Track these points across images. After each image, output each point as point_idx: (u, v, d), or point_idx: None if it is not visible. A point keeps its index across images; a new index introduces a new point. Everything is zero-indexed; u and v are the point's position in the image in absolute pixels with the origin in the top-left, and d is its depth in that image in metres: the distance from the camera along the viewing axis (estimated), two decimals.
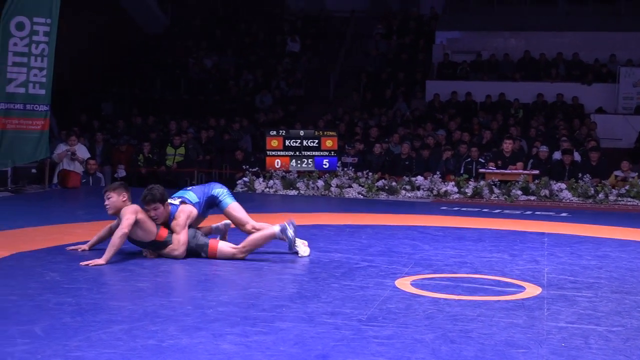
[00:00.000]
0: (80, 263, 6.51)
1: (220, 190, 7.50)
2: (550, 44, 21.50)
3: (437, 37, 22.81)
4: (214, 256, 6.92)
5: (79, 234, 8.17)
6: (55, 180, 13.90)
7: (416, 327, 4.78)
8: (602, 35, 21.17)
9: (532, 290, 5.93)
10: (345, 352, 4.26)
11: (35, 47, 12.85)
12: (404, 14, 24.68)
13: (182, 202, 7.12)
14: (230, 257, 6.89)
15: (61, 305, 5.09)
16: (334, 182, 13.54)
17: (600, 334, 4.70)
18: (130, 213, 6.70)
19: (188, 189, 7.55)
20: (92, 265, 6.43)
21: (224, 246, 6.99)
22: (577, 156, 14.98)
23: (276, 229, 6.99)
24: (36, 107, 12.97)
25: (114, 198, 6.89)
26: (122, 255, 6.95)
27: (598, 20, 21.51)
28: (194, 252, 6.95)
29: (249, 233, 7.27)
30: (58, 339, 4.33)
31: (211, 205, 7.45)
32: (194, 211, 7.15)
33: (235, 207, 7.49)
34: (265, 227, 7.31)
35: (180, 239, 6.88)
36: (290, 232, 7.03)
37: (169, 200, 7.10)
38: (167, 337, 4.45)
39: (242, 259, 6.88)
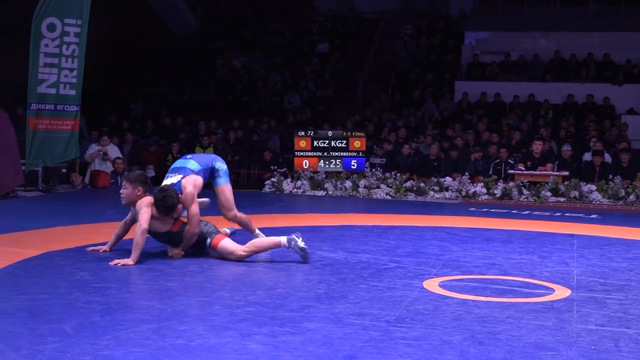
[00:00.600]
0: (110, 263, 6.55)
1: (221, 166, 7.52)
2: (581, 45, 21.31)
3: (466, 38, 22.71)
4: (215, 248, 6.93)
5: (109, 233, 8.19)
6: (86, 180, 14.00)
7: (444, 328, 4.76)
8: (634, 36, 20.94)
9: (561, 292, 5.89)
10: (373, 353, 4.25)
11: (66, 48, 12.96)
12: (433, 14, 24.60)
13: (183, 178, 7.09)
14: (228, 254, 6.86)
15: (90, 304, 5.13)
16: (362, 182, 13.52)
17: (631, 337, 4.66)
18: (146, 206, 6.74)
19: (188, 157, 7.53)
20: (121, 265, 6.46)
21: (228, 242, 6.97)
22: (607, 157, 14.85)
23: (283, 239, 6.91)
24: (67, 108, 13.09)
25: (129, 190, 6.96)
26: (150, 255, 6.99)
27: (629, 20, 21.29)
28: (201, 237, 6.94)
29: (230, 220, 7.48)
30: (87, 338, 4.37)
31: (209, 177, 7.43)
32: (199, 179, 7.19)
33: (228, 189, 7.55)
34: (245, 219, 7.58)
35: (191, 212, 6.89)
36: (301, 243, 6.88)
37: (169, 178, 7.14)
38: (196, 336, 4.47)
39: (239, 260, 6.83)
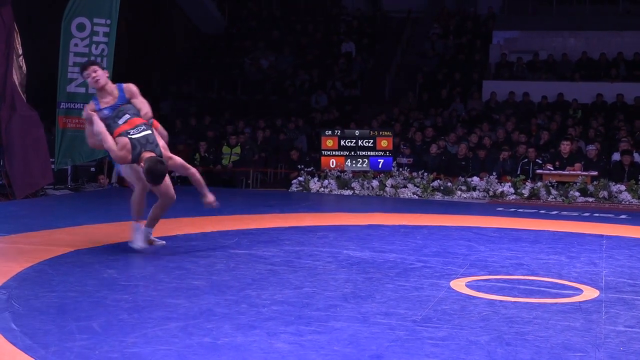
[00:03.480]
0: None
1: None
2: (610, 44, 21.12)
3: (495, 37, 22.58)
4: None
5: None
6: (114, 179, 14.08)
7: (471, 328, 4.74)
8: None
9: (589, 293, 5.84)
10: (400, 353, 4.24)
11: (95, 48, 13.06)
12: (461, 14, 24.50)
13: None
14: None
15: (118, 302, 5.16)
16: (389, 182, 13.50)
17: None
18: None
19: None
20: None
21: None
22: (637, 157, 14.70)
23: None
24: None
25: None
26: (177, 254, 7.03)
27: None
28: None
29: None
30: (115, 335, 4.40)
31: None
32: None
33: None
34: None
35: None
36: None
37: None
38: (222, 335, 4.48)
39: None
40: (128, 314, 4.88)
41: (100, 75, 7.10)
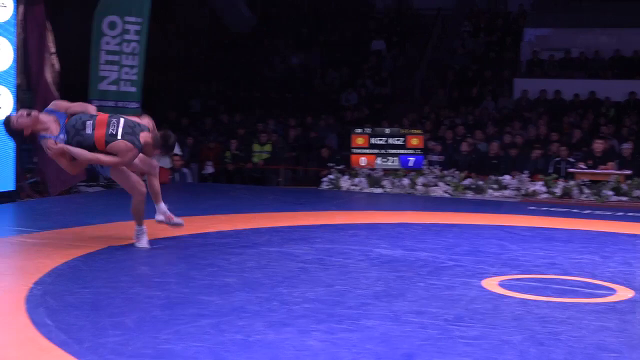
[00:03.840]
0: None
1: None
2: None
3: (526, 35, 22.40)
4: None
5: (168, 228, 8.31)
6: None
7: (504, 328, 4.72)
8: None
9: (623, 293, 5.79)
10: (432, 352, 4.23)
11: (127, 46, 13.14)
12: (491, 11, 24.36)
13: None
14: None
15: (151, 299, 5.20)
16: (420, 180, 13.45)
17: None
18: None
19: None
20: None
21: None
22: None
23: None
24: (127, 105, 13.28)
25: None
26: (209, 252, 7.06)
27: None
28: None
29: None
30: (148, 332, 4.43)
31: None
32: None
33: None
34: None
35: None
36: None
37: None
38: (254, 332, 4.50)
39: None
40: (161, 310, 4.92)
41: (24, 121, 6.82)
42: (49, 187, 11.44)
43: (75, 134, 6.77)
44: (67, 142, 6.75)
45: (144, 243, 7.17)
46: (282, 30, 24.19)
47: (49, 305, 4.97)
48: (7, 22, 10.47)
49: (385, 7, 25.17)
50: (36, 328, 4.47)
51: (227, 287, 5.63)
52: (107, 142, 6.70)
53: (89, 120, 6.84)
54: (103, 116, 6.94)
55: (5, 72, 10.50)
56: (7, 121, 6.89)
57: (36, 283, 5.57)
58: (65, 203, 10.91)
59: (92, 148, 6.72)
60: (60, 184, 11.66)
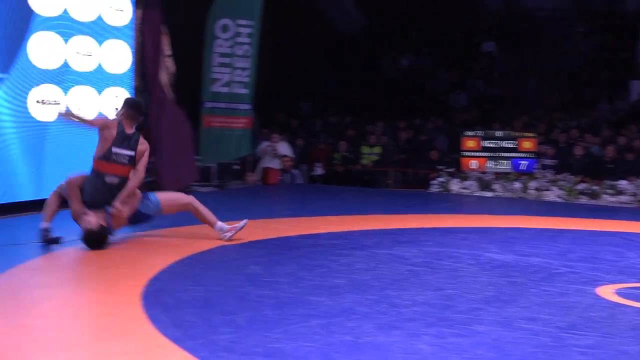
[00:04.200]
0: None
1: None
2: None
3: None
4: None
5: (280, 229, 8.42)
6: (257, 176, 14.37)
7: (620, 337, 4.58)
8: None
9: None
10: None
11: (239, 48, 13.36)
12: (607, 11, 23.67)
13: None
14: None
15: (262, 298, 5.26)
16: (532, 184, 13.19)
17: None
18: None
19: None
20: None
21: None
22: None
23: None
24: (239, 106, 13.51)
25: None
26: (319, 253, 7.10)
27: None
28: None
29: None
30: (259, 330, 4.48)
31: None
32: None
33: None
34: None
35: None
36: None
37: None
38: (364, 334, 4.49)
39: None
40: (271, 309, 4.97)
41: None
42: (164, 187, 11.71)
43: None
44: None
45: (228, 233, 7.56)
46: (392, 31, 24.14)
47: (164, 301, 5.09)
48: (125, 26, 10.81)
49: (496, 8, 24.79)
50: (152, 323, 4.58)
51: (337, 289, 5.65)
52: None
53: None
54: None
55: (124, 74, 10.84)
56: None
57: (151, 280, 5.72)
58: None
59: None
60: (174, 183, 11.92)
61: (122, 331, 4.60)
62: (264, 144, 14.60)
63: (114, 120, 7.38)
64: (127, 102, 7.57)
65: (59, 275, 5.99)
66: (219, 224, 7.67)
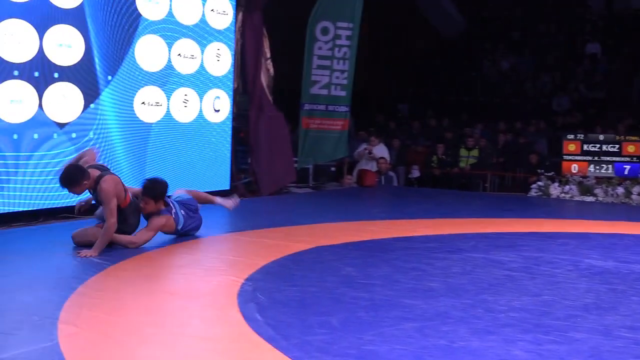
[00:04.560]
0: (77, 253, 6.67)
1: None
2: None
3: None
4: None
5: (374, 231, 8.42)
6: (353, 179, 14.40)
7: None
8: None
9: None
10: None
11: (338, 51, 13.46)
12: None
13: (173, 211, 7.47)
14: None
15: (356, 300, 5.27)
16: (636, 189, 12.81)
17: None
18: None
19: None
20: (83, 256, 6.55)
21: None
22: None
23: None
24: (337, 108, 13.60)
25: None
26: (414, 255, 7.08)
27: None
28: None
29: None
30: (353, 332, 4.49)
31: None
32: (173, 225, 7.46)
33: None
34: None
35: (143, 237, 7.12)
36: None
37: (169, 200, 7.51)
38: (458, 338, 4.46)
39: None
40: (365, 311, 4.98)
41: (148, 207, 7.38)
42: (261, 187, 11.88)
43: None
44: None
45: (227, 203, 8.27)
46: (493, 33, 23.85)
47: (259, 301, 5.16)
48: (227, 29, 11.00)
49: (601, 9, 24.18)
50: (247, 323, 4.65)
51: (431, 292, 5.62)
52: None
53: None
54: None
55: (224, 76, 11.03)
56: None
57: (247, 279, 5.80)
58: (276, 203, 11.29)
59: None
60: (272, 184, 12.09)
61: (217, 330, 4.69)
62: (361, 147, 14.63)
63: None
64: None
65: (157, 273, 6.14)
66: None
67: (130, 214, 7.16)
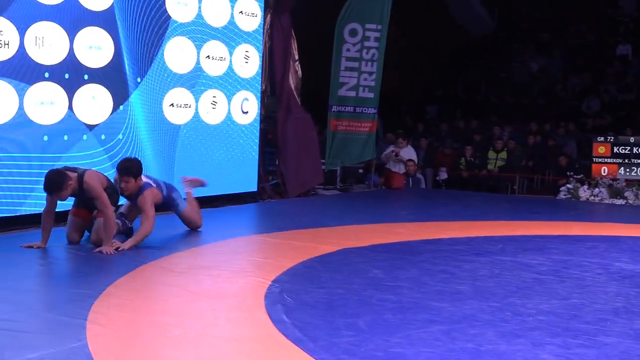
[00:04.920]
0: (94, 251, 6.84)
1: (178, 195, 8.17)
2: None
3: None
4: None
5: (402, 233, 8.41)
6: (376, 180, 14.39)
7: None
8: None
9: None
10: None
11: (366, 52, 13.46)
12: None
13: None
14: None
15: (383, 302, 5.27)
16: None
17: None
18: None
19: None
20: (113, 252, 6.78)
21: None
22: None
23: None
24: (365, 110, 13.59)
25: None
26: (442, 258, 7.05)
27: None
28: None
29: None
30: (380, 334, 4.49)
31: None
32: (158, 193, 7.70)
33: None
34: None
35: (150, 220, 7.29)
36: None
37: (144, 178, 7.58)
38: (486, 341, 4.44)
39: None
40: (392, 314, 4.97)
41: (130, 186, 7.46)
42: (289, 189, 11.90)
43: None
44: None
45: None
46: (522, 35, 23.72)
47: (286, 302, 5.17)
48: (255, 31, 11.03)
49: (632, 10, 23.96)
50: (274, 324, 4.66)
51: (459, 295, 5.59)
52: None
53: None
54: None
55: (252, 78, 11.06)
56: None
57: (274, 281, 5.82)
58: (303, 205, 11.31)
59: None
60: (299, 186, 12.11)
61: (244, 331, 4.70)
62: (388, 149, 14.61)
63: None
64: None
65: (184, 273, 6.17)
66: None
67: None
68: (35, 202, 7.83)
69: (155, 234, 7.32)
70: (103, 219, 6.93)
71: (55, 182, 6.81)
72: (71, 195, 7.07)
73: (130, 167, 7.38)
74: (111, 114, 8.90)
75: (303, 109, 12.44)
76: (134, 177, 7.38)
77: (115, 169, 7.70)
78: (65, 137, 8.37)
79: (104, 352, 4.10)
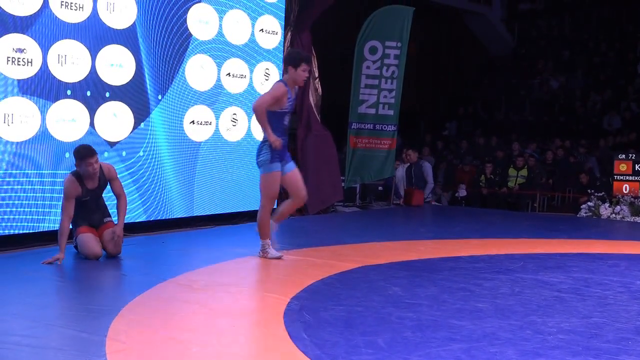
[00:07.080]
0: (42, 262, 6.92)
1: None
2: None
3: None
4: None
5: (421, 251, 8.39)
6: (394, 199, 14.35)
7: None
8: None
9: None
10: None
11: (386, 70, 13.48)
12: None
13: None
14: None
15: (403, 320, 5.25)
16: None
17: None
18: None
19: None
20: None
21: None
22: None
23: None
24: (385, 127, 13.60)
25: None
26: (462, 276, 7.02)
27: None
28: None
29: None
30: (399, 352, 4.47)
31: None
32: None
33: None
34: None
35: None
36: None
37: None
38: None
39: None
40: (412, 332, 4.95)
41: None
42: (308, 206, 11.90)
43: None
44: None
45: (274, 254, 7.64)
46: (542, 52, 23.68)
47: (305, 320, 5.17)
48: (275, 49, 11.08)
49: None
50: (293, 341, 4.66)
51: (479, 313, 5.57)
52: None
53: None
54: None
55: None
56: None
57: (294, 298, 5.81)
58: (323, 222, 11.31)
59: None
60: (319, 203, 12.11)
61: (263, 348, 4.70)
62: (404, 166, 14.59)
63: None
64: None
65: (204, 290, 6.18)
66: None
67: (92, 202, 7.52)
68: (56, 219, 7.88)
69: (173, 251, 7.35)
70: (121, 201, 7.50)
71: (89, 147, 7.34)
72: (89, 188, 7.36)
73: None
74: (132, 131, 8.96)
75: (323, 126, 12.46)
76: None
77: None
78: None
79: None
